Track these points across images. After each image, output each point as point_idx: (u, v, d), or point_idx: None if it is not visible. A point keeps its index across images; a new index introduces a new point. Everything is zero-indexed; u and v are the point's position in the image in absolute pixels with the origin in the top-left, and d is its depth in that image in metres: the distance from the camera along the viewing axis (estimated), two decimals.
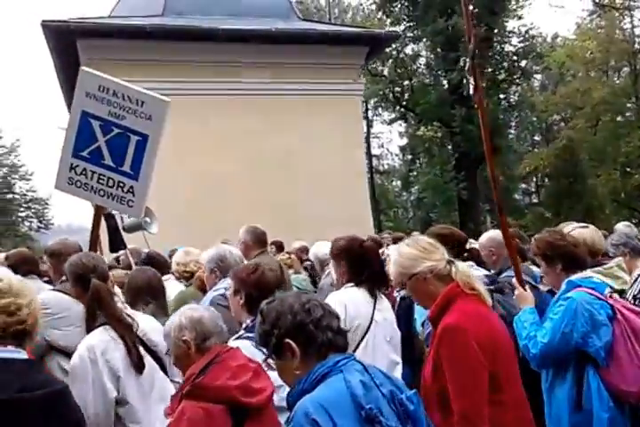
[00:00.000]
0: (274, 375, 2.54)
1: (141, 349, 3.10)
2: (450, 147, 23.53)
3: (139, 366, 2.99)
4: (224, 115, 11.86)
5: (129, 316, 3.15)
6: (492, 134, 20.52)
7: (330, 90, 12.22)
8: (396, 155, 36.60)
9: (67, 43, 11.92)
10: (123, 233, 5.79)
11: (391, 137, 40.55)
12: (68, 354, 3.56)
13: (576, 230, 3.86)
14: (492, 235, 4.56)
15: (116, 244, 5.58)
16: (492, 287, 3.73)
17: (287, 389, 2.58)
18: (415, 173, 29.61)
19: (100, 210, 4.28)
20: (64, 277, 3.84)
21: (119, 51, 11.72)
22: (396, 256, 2.72)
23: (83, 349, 2.97)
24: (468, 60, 3.82)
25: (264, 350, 2.58)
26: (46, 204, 38.76)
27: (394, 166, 37.60)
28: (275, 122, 12.01)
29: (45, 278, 5.59)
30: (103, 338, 3.01)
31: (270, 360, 2.10)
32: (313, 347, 1.98)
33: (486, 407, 2.39)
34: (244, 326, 3.01)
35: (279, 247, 9.26)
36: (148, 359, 3.06)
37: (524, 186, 35.53)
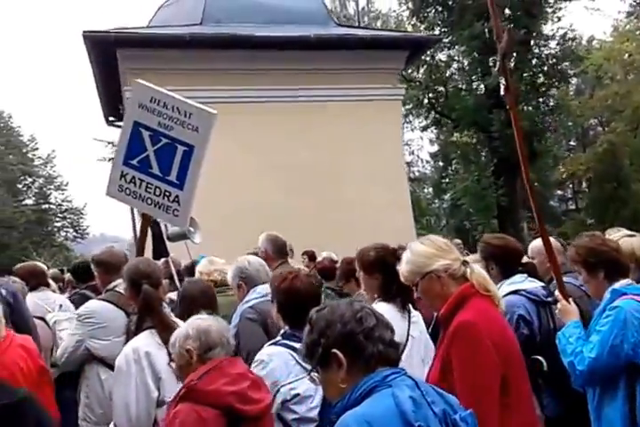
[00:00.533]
0: (301, 385, 2.66)
1: None
2: (483, 152, 23.20)
3: None
4: (263, 123, 11.76)
5: (174, 322, 3.24)
6: (531, 139, 20.17)
7: (369, 95, 12.07)
8: (427, 162, 36.28)
9: (107, 53, 11.98)
10: (166, 241, 5.80)
11: (422, 144, 40.10)
12: (107, 364, 3.68)
13: (623, 239, 3.65)
14: (551, 241, 4.36)
15: (159, 252, 5.62)
16: (549, 299, 3.61)
17: (317, 399, 2.72)
18: (448, 180, 29.21)
19: (147, 218, 4.34)
20: (110, 286, 4.00)
21: (159, 60, 11.74)
22: (409, 255, 2.64)
23: (128, 350, 3.08)
24: (498, 60, 3.77)
25: (296, 355, 2.69)
26: (81, 213, 39.24)
27: (425, 173, 37.27)
28: (313, 129, 11.89)
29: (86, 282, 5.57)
30: (148, 341, 3.11)
31: (314, 374, 1.99)
32: (361, 359, 1.88)
33: (497, 409, 2.31)
34: (281, 331, 3.02)
35: (311, 257, 9.18)
36: None
37: (559, 192, 34.91)
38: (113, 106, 16.03)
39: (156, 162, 4.03)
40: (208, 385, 2.44)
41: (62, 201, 38.87)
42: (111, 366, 3.45)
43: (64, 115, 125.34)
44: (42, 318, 4.76)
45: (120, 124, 17.60)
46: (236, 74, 11.82)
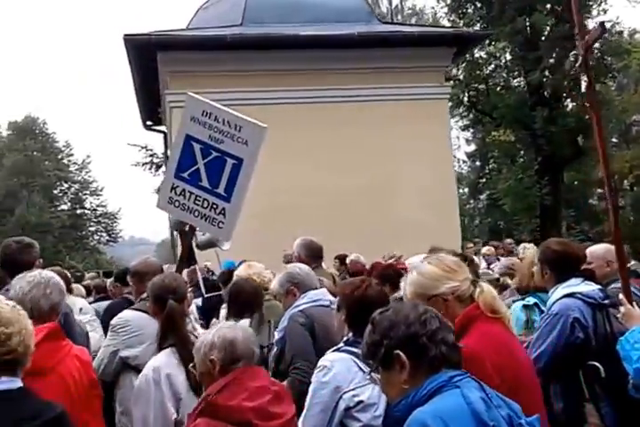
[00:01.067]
0: (364, 391, 2.65)
1: None
2: (522, 151, 22.63)
3: (197, 390, 2.97)
4: (305, 125, 11.48)
5: (196, 337, 3.19)
6: (576, 136, 19.60)
7: (416, 94, 11.72)
8: (464, 161, 35.68)
9: (147, 56, 11.82)
10: (195, 250, 5.74)
11: (459, 143, 39.52)
12: (140, 372, 3.63)
13: None
14: (610, 246, 4.13)
15: (189, 260, 5.55)
16: (606, 302, 3.47)
17: (381, 407, 2.65)
18: (484, 180, 28.63)
19: (192, 230, 4.41)
20: (143, 295, 3.99)
21: (200, 62, 11.56)
22: (415, 275, 2.54)
23: (149, 369, 3.10)
24: (580, 55, 3.58)
25: (359, 362, 2.66)
26: (115, 218, 39.52)
27: (461, 173, 36.68)
28: (359, 129, 11.57)
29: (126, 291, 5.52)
30: (169, 360, 3.12)
31: (374, 374, 2.01)
32: (424, 360, 1.88)
33: None
34: (344, 338, 2.98)
35: (342, 261, 9.08)
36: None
37: (600, 190, 34.04)
38: (151, 110, 15.92)
39: (206, 175, 4.09)
40: (227, 400, 2.39)
41: (97, 206, 39.19)
42: None
43: (99, 119, 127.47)
44: None
45: (158, 128, 17.61)
46: (277, 75, 11.56)
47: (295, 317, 3.69)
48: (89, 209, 39.12)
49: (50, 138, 38.49)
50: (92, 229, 39.63)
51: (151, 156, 26.63)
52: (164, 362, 3.11)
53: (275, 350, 3.86)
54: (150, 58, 11.91)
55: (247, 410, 2.37)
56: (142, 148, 26.38)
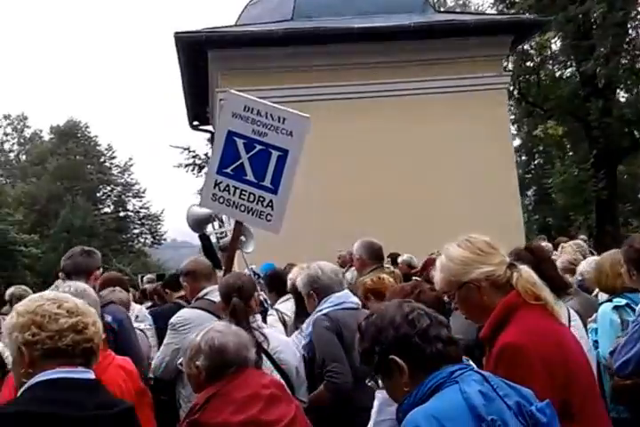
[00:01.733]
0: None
1: (270, 366, 3.27)
2: (572, 144, 21.97)
3: None
4: (358, 120, 11.19)
5: (262, 335, 3.35)
6: (632, 128, 18.91)
7: (474, 85, 11.30)
8: None
9: (197, 54, 11.70)
10: (218, 253, 5.51)
11: None
12: None
13: None
14: None
15: (214, 264, 5.32)
16: None
17: None
18: (530, 176, 27.95)
19: (238, 227, 4.39)
20: (200, 294, 4.04)
21: (251, 59, 11.37)
22: (444, 260, 2.32)
23: None
24: None
25: None
26: (159, 220, 39.79)
27: None
28: (416, 122, 11.24)
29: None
30: None
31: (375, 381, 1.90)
32: (421, 361, 1.82)
33: None
34: None
35: (394, 260, 8.83)
36: (275, 377, 3.08)
37: None
38: (199, 110, 15.84)
39: (251, 168, 4.11)
40: (212, 418, 2.28)
41: (140, 208, 39.51)
42: None
43: (141, 121, 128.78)
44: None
45: (205, 128, 17.54)
46: (331, 70, 11.30)
47: (320, 321, 3.67)
48: (132, 211, 39.46)
49: (92, 141, 38.92)
50: (136, 231, 39.93)
51: (194, 157, 26.79)
52: None
53: (304, 355, 3.84)
54: (200, 56, 11.78)
55: (236, 424, 2.26)
56: (184, 149, 26.54)
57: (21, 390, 1.92)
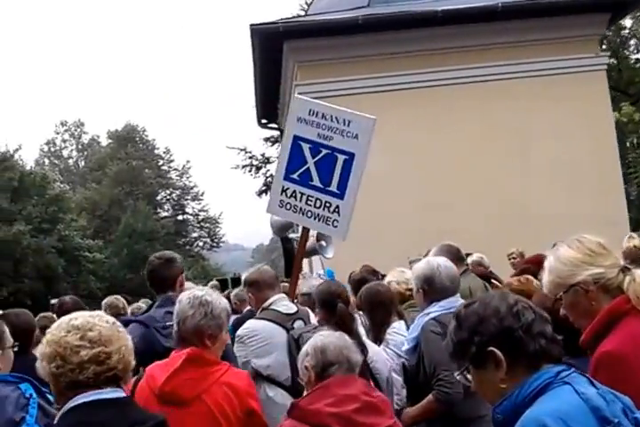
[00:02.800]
0: None
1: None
2: None
3: None
4: (450, 105, 10.68)
5: (361, 343, 3.34)
6: None
7: (569, 67, 10.64)
8: None
9: (272, 47, 11.31)
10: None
11: None
12: (274, 382, 3.80)
13: None
14: None
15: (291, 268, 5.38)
16: None
17: None
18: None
19: (306, 232, 4.38)
20: (265, 304, 4.02)
21: (330, 49, 10.98)
22: (552, 261, 2.24)
23: None
24: None
25: None
26: (217, 222, 39.83)
27: None
28: (507, 110, 10.65)
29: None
30: None
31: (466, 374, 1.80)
32: (522, 356, 1.72)
33: None
34: None
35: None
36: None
37: None
38: (269, 107, 15.53)
39: (317, 173, 4.08)
40: (309, 404, 2.47)
41: (199, 211, 39.63)
42: (277, 384, 3.73)
43: (198, 123, 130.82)
44: None
45: (273, 125, 17.25)
46: (415, 56, 10.82)
47: (429, 326, 3.57)
48: (191, 214, 39.62)
49: (150, 145, 39.25)
50: (195, 235, 40.09)
51: (250, 158, 26.58)
52: None
53: (404, 361, 3.80)
54: (275, 48, 11.42)
55: (327, 415, 2.39)
56: (241, 150, 26.36)
57: (57, 417, 2.00)
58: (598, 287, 2.13)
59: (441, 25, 10.54)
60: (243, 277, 4.41)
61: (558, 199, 10.18)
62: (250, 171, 26.83)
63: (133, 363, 2.06)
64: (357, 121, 4.06)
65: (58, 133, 42.77)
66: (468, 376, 1.81)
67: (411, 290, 4.25)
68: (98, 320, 2.03)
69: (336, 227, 4.10)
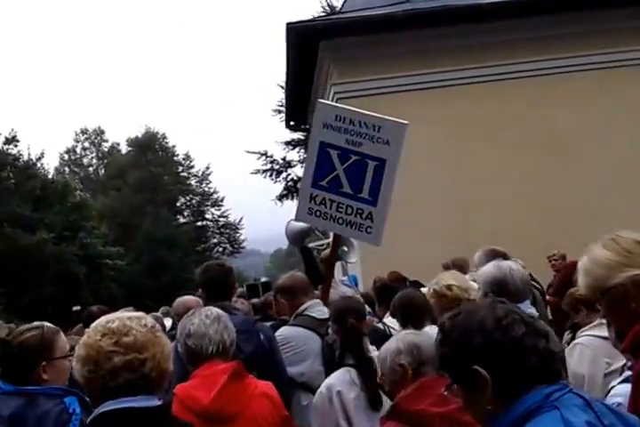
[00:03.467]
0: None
1: None
2: None
3: (375, 403, 3.12)
4: (496, 103, 10.14)
5: (366, 359, 3.27)
6: None
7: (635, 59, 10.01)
8: None
9: (308, 46, 10.83)
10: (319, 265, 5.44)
11: None
12: (308, 389, 3.74)
13: None
14: None
15: (316, 277, 5.19)
16: None
17: None
18: None
19: (336, 240, 4.41)
20: (299, 310, 3.97)
21: (368, 46, 10.47)
22: (587, 263, 2.08)
23: (324, 387, 3.20)
24: None
25: None
26: (237, 228, 39.46)
27: None
28: (562, 104, 10.03)
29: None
30: (343, 378, 3.23)
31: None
32: (511, 376, 1.55)
33: None
34: (628, 364, 2.34)
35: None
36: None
37: None
38: (298, 109, 15.08)
39: (347, 180, 4.00)
40: (413, 405, 2.39)
41: (218, 217, 39.26)
42: (312, 391, 3.57)
43: (218, 127, 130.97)
44: None
45: (302, 127, 16.82)
46: (458, 52, 10.21)
47: None
48: (211, 220, 39.27)
49: (170, 151, 38.97)
50: (215, 240, 39.73)
51: (271, 162, 26.12)
52: (339, 380, 3.21)
53: None
54: (310, 48, 10.94)
55: (433, 415, 2.33)
56: (262, 155, 25.92)
57: (88, 421, 1.93)
58: (638, 289, 1.96)
59: (485, 19, 10.00)
60: (275, 284, 4.37)
61: (607, 199, 9.60)
62: (270, 175, 26.36)
63: (171, 369, 1.98)
64: (388, 126, 3.96)
65: (78, 142, 42.62)
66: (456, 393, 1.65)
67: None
68: (135, 324, 1.93)
69: (370, 233, 4.02)
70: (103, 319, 1.96)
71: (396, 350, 2.62)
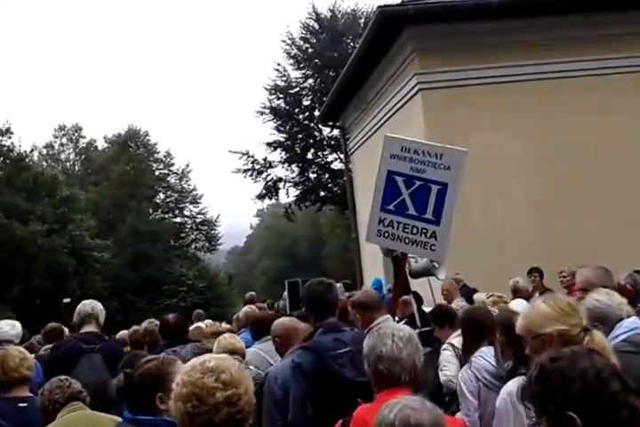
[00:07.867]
0: None
1: None
2: None
3: None
4: (588, 99, 9.28)
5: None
6: None
7: None
8: None
9: (390, 32, 9.71)
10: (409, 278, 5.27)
11: None
12: None
13: None
14: None
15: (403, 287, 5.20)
16: None
17: None
18: None
19: (405, 259, 4.45)
20: (372, 325, 3.76)
21: (455, 36, 9.51)
22: (528, 310, 2.42)
23: (505, 393, 2.96)
24: None
25: None
26: (214, 225, 37.73)
27: None
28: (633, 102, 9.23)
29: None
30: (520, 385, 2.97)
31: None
32: (602, 426, 1.47)
33: None
34: None
35: (542, 275, 7.77)
36: None
37: None
38: (338, 104, 13.95)
39: (412, 203, 4.12)
40: None
41: (197, 213, 37.48)
42: None
43: (201, 125, 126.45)
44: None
45: (331, 123, 15.77)
46: (550, 44, 9.37)
47: (622, 347, 3.05)
48: (189, 217, 37.41)
49: (151, 148, 36.92)
50: (193, 236, 37.85)
51: (252, 162, 24.77)
52: (517, 387, 2.87)
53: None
54: (391, 34, 9.83)
55: None
56: (243, 154, 24.60)
57: None
58: (561, 341, 2.17)
59: (582, 12, 9.13)
60: (351, 299, 4.31)
61: None
62: (251, 175, 25.10)
63: (254, 402, 1.93)
64: (449, 154, 4.06)
65: (57, 138, 39.93)
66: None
67: None
68: (227, 363, 1.93)
69: (434, 250, 4.11)
70: (199, 360, 1.95)
71: (390, 424, 2.01)
